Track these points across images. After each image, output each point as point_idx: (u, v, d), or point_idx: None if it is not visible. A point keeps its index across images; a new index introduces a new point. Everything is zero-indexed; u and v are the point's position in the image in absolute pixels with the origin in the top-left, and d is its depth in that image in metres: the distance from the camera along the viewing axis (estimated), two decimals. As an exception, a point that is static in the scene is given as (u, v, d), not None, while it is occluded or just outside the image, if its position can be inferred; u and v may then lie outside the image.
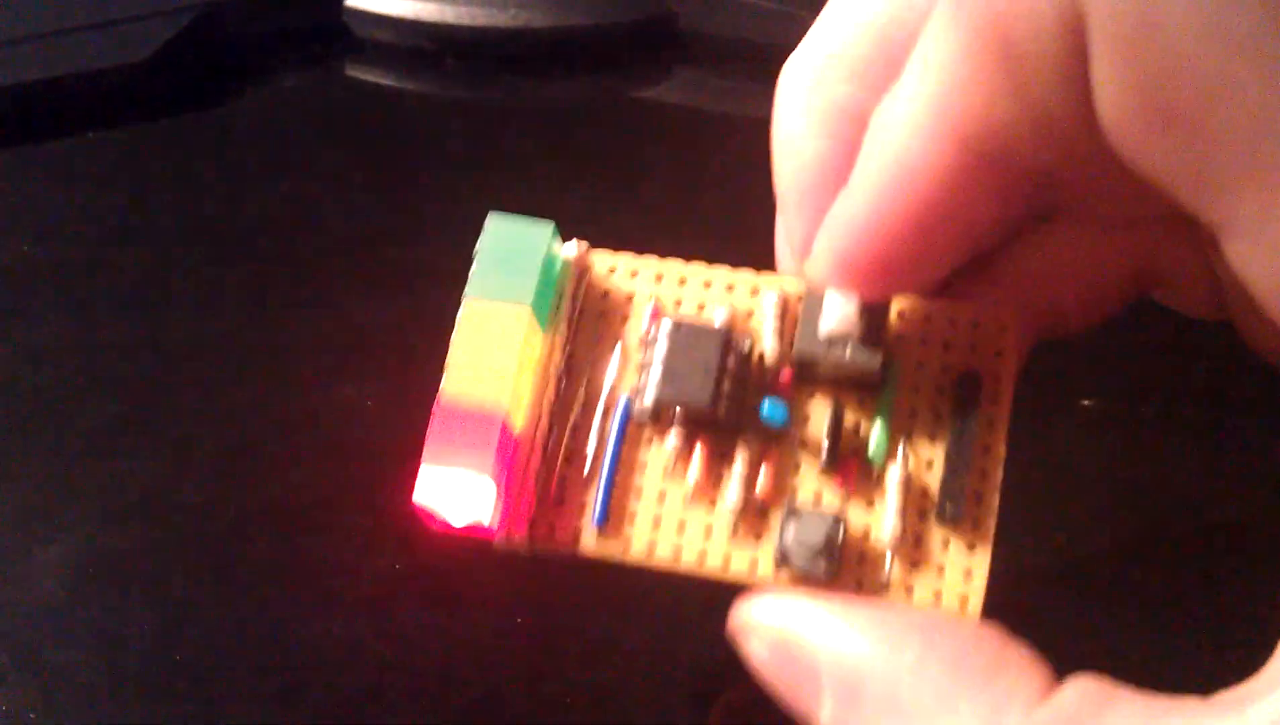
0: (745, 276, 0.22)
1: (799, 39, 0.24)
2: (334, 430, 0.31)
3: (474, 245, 0.21)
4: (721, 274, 0.22)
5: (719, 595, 0.21)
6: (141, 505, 0.29)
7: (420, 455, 0.20)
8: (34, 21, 0.38)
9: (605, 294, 0.22)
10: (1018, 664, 0.19)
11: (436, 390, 0.29)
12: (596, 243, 0.23)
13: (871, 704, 0.19)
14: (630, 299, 0.22)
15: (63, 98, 0.37)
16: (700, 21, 0.39)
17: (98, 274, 0.34)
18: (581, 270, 0.22)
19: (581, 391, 0.22)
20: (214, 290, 0.34)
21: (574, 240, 0.22)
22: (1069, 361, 0.31)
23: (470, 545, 0.21)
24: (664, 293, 0.22)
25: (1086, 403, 0.31)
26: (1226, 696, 0.18)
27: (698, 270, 0.22)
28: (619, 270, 0.22)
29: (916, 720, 0.18)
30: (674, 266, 0.22)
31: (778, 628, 0.20)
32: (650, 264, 0.22)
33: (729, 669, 0.21)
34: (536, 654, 0.27)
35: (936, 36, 0.18)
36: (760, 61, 0.37)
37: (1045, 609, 0.27)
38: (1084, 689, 0.18)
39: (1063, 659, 0.19)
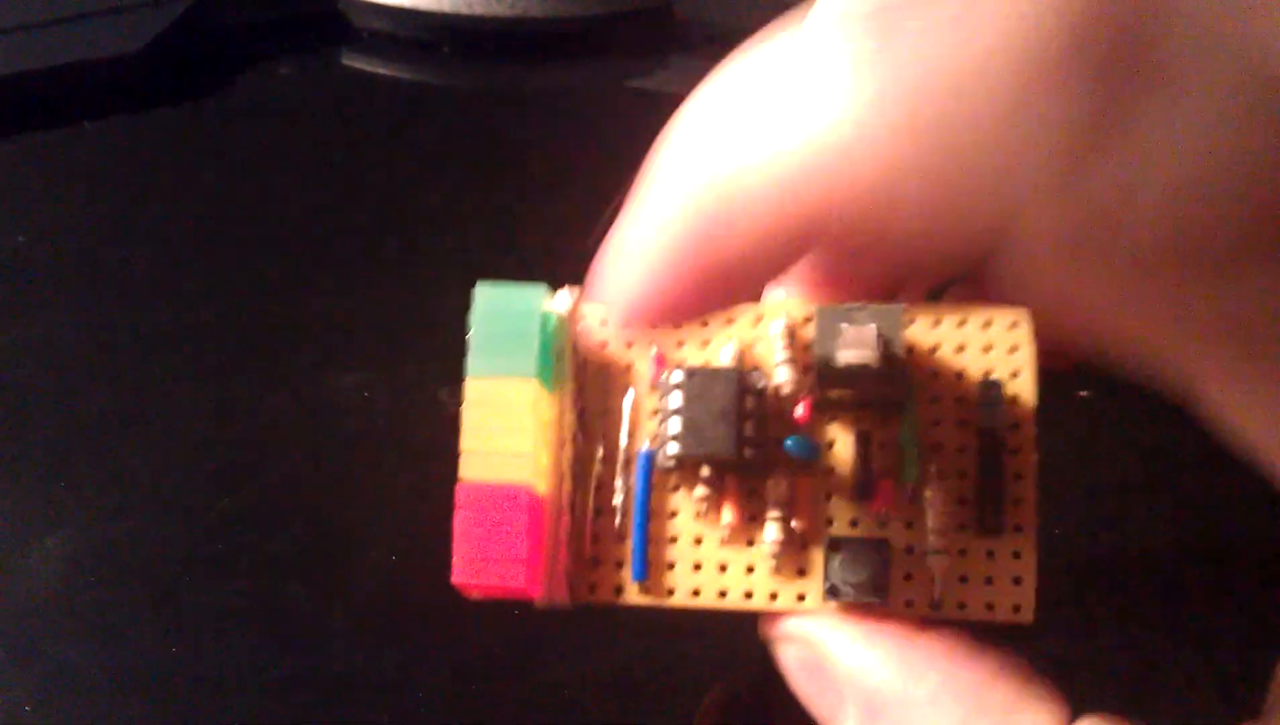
0: (745, 307, 0.21)
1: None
2: (332, 421, 0.31)
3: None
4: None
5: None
6: (139, 498, 0.29)
7: (451, 538, 0.20)
8: (28, 11, 0.38)
9: (604, 343, 0.22)
10: (1035, 703, 0.19)
11: (434, 383, 0.29)
12: (598, 234, 0.22)
13: None
14: (630, 345, 0.22)
15: (57, 88, 0.37)
16: (697, 10, 0.39)
17: (93, 265, 0.34)
18: (576, 322, 0.22)
19: (599, 446, 0.21)
20: (210, 281, 0.34)
21: (564, 290, 0.21)
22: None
23: (512, 604, 0.20)
24: (663, 335, 0.21)
25: (1084, 394, 0.31)
26: None
27: None
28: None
29: None
30: None
31: (808, 642, 0.20)
32: None
33: (720, 666, 0.21)
34: (534, 649, 0.27)
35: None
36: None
37: (1044, 601, 0.26)
38: None
39: (1060, 646, 0.19)
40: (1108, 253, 0.15)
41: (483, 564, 0.20)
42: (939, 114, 0.15)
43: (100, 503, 0.29)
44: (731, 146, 0.17)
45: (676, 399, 0.20)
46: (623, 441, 0.21)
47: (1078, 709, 0.19)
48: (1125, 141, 0.15)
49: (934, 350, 0.21)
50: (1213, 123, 0.15)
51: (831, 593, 0.20)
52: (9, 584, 0.28)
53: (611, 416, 0.21)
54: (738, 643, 0.21)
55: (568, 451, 0.21)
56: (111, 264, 0.34)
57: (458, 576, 0.20)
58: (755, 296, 0.21)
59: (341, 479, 0.29)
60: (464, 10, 0.38)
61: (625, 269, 0.19)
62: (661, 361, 0.21)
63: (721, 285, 0.18)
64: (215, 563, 0.28)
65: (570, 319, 0.21)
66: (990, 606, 0.20)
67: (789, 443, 0.21)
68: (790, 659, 0.21)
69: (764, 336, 0.21)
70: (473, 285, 0.21)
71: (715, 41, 0.39)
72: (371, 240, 0.34)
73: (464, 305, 0.21)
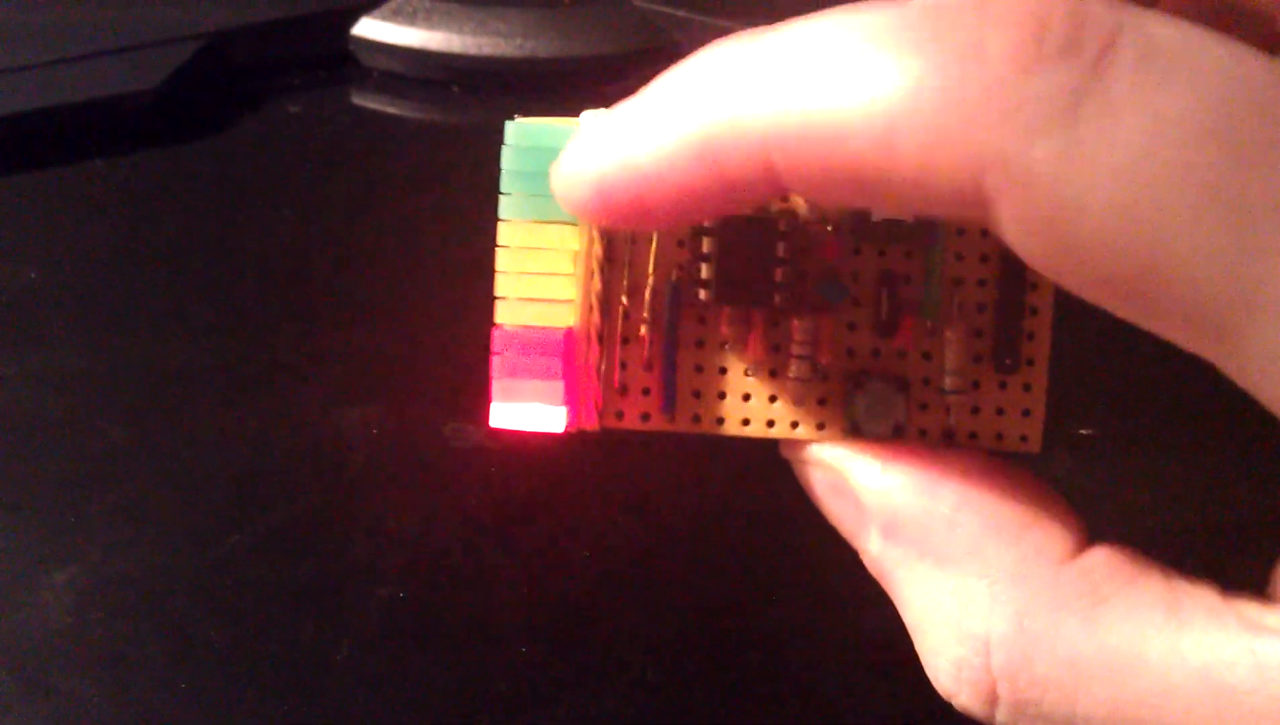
0: None
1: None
2: (340, 455, 0.31)
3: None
4: None
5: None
6: (148, 533, 0.29)
7: (489, 388, 0.20)
8: (42, 49, 0.38)
9: None
10: (1050, 519, 0.20)
11: (442, 413, 0.30)
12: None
13: (909, 545, 0.20)
14: None
15: (69, 125, 0.38)
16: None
17: (104, 300, 0.35)
18: None
19: (625, 274, 0.21)
20: (220, 316, 0.34)
21: (589, 112, 0.21)
22: (1066, 391, 0.31)
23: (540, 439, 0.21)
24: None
25: (1085, 432, 0.31)
26: (1248, 608, 0.18)
27: None
28: None
29: (948, 564, 0.20)
30: None
31: (833, 467, 0.21)
32: None
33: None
34: (543, 685, 0.27)
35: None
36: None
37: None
38: (1111, 558, 0.19)
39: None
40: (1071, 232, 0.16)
41: (519, 411, 0.20)
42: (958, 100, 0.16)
43: (110, 537, 0.29)
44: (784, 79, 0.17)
45: (708, 245, 0.21)
46: (650, 271, 0.21)
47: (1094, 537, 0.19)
48: (1106, 120, 0.16)
49: None
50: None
51: (853, 431, 0.21)
52: (19, 618, 0.28)
53: (637, 243, 0.21)
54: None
55: (596, 282, 0.21)
56: (121, 299, 0.35)
57: (495, 421, 0.20)
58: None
59: (350, 513, 0.29)
60: (473, 51, 0.39)
61: (633, 133, 0.18)
62: None
63: (710, 196, 0.18)
64: (224, 597, 0.28)
65: None
66: (1000, 436, 0.22)
67: (819, 286, 0.21)
68: (815, 481, 0.22)
69: None
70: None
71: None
72: (381, 276, 0.35)
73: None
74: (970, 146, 0.16)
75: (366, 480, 0.30)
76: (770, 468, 0.23)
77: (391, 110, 0.39)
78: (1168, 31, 0.16)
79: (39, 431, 0.32)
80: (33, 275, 0.35)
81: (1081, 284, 0.17)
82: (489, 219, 0.22)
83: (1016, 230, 0.16)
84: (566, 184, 0.19)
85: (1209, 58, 0.16)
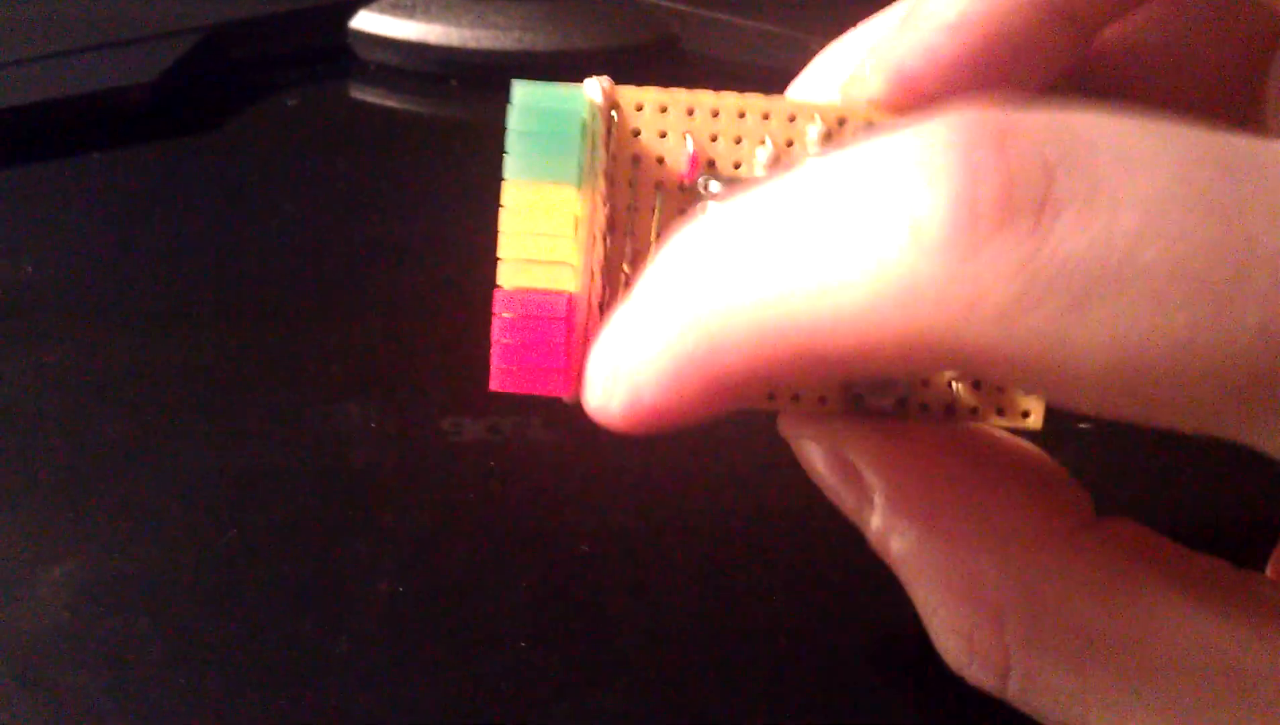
0: (780, 104, 0.21)
1: (800, 62, 0.24)
2: (339, 451, 0.31)
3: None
4: (756, 101, 0.21)
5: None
6: (146, 528, 0.29)
7: (490, 353, 0.20)
8: (41, 42, 0.38)
9: (636, 132, 0.21)
10: (1059, 492, 0.20)
11: (441, 409, 0.30)
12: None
13: (914, 520, 0.20)
14: (663, 136, 0.21)
15: (69, 118, 0.38)
16: (702, 44, 0.39)
17: (102, 295, 0.35)
18: (609, 110, 0.21)
19: (628, 243, 0.21)
20: (219, 310, 0.34)
21: (595, 79, 0.21)
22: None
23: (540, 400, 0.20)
24: (697, 127, 0.21)
25: (1084, 426, 0.31)
26: (1261, 587, 0.18)
27: (730, 100, 0.21)
28: (647, 107, 0.21)
29: (956, 538, 0.19)
30: (705, 97, 0.21)
31: (833, 443, 0.21)
32: (680, 97, 0.21)
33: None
34: (540, 682, 0.27)
35: None
36: (762, 84, 0.38)
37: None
38: (1123, 531, 0.19)
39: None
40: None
41: (521, 372, 0.20)
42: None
43: (108, 533, 0.29)
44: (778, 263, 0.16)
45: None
46: (653, 240, 0.21)
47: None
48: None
49: None
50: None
51: (857, 405, 0.21)
52: (17, 613, 0.28)
53: (641, 212, 0.21)
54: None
55: (599, 250, 0.21)
56: (119, 294, 0.35)
57: (495, 385, 0.20)
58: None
59: (349, 509, 0.29)
60: (471, 44, 0.39)
61: (641, 362, 0.18)
62: (696, 161, 0.21)
63: (733, 395, 0.18)
64: (223, 593, 0.28)
65: (603, 108, 0.21)
66: (1001, 411, 0.21)
67: None
68: (815, 457, 0.21)
69: (798, 138, 0.21)
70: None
71: (722, 75, 0.39)
72: (379, 269, 0.35)
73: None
74: (947, 339, 0.15)
75: (366, 475, 0.30)
76: (770, 467, 0.23)
77: (389, 103, 0.39)
78: (1104, 152, 0.15)
79: (35, 426, 0.32)
80: (30, 270, 0.35)
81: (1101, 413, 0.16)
82: (488, 212, 0.22)
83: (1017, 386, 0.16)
84: (600, 418, 0.19)
85: (1155, 165, 0.15)
